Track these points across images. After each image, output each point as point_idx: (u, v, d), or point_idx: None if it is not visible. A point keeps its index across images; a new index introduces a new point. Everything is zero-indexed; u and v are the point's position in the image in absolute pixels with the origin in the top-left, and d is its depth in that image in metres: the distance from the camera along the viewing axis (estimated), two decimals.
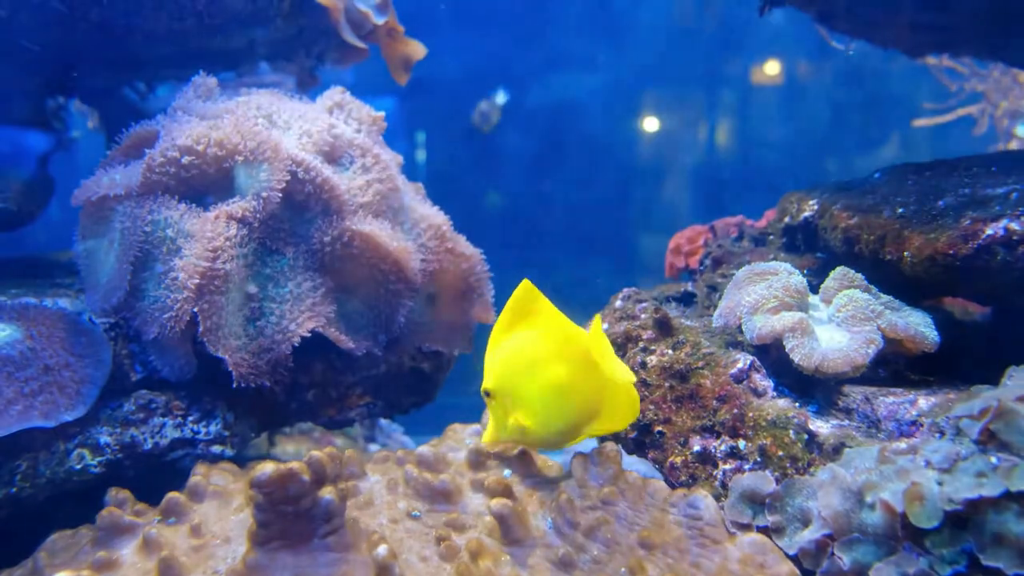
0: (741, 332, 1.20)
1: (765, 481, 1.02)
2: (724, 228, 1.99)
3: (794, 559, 0.94)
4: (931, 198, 1.21)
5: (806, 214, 1.51)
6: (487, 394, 1.07)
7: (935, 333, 1.12)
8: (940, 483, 0.83)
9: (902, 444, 0.94)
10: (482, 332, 1.35)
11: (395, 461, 1.19)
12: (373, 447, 2.40)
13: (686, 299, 1.68)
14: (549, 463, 1.17)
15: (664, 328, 1.30)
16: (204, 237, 1.23)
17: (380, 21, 1.87)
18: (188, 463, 1.26)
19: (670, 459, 1.15)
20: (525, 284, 1.09)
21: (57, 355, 1.22)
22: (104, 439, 1.23)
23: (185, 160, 1.29)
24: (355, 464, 1.15)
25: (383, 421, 2.51)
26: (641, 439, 1.21)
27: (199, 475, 1.12)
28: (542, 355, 1.06)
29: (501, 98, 3.48)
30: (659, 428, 1.18)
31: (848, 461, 0.96)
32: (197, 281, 1.20)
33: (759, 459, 1.07)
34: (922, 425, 1.01)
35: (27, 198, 1.79)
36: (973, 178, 1.25)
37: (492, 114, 3.48)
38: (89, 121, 2.24)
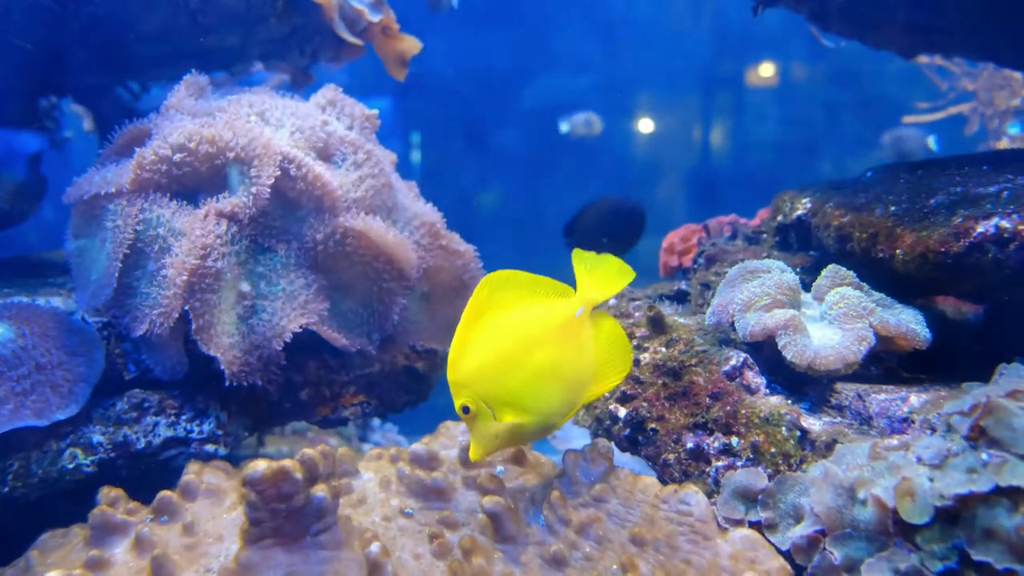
0: (734, 330, 1.20)
1: (758, 477, 1.02)
2: (717, 227, 1.99)
3: (786, 555, 0.94)
4: (923, 196, 1.21)
5: (799, 212, 1.51)
6: (465, 410, 0.97)
7: (926, 330, 1.12)
8: (931, 479, 0.83)
9: (894, 441, 0.94)
10: None
11: (388, 459, 1.19)
12: (367, 447, 2.40)
13: (680, 297, 1.68)
14: (541, 460, 1.17)
15: (657, 326, 1.31)
16: (194, 234, 1.23)
17: (375, 19, 1.86)
18: (181, 462, 1.26)
19: (663, 456, 1.16)
20: (474, 293, 1.00)
21: (49, 354, 1.22)
22: (97, 438, 1.23)
23: (176, 158, 1.28)
24: (348, 462, 1.15)
25: (376, 420, 2.51)
26: (634, 436, 1.21)
27: (191, 473, 1.12)
28: (516, 345, 0.98)
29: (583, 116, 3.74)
30: (652, 425, 1.18)
31: (840, 457, 0.96)
32: (186, 278, 1.20)
33: (752, 456, 1.08)
34: (913, 422, 1.02)
35: (19, 197, 1.79)
36: (965, 177, 1.25)
37: (593, 124, 3.70)
38: (84, 122, 2.23)
